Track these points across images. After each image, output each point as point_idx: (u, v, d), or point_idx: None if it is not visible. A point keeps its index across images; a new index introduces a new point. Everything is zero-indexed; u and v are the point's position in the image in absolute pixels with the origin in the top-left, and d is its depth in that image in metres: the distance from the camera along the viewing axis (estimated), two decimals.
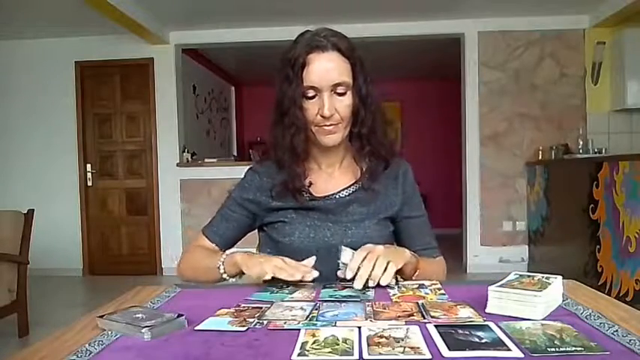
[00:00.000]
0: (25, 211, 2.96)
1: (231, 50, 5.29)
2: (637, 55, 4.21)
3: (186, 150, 4.84)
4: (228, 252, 1.02)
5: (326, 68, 1.00)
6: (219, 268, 1.00)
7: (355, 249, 0.93)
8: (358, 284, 0.84)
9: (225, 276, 1.00)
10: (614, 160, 2.98)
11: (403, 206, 1.13)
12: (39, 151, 4.84)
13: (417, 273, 0.99)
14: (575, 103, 4.54)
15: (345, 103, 1.02)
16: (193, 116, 5.53)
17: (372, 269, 0.86)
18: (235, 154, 7.08)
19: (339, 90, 1.01)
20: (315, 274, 0.89)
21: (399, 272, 0.92)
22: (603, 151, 4.26)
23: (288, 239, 1.07)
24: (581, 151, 4.23)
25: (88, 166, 4.87)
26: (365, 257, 0.87)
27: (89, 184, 4.87)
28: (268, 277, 0.89)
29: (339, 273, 0.92)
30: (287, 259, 0.93)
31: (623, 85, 4.28)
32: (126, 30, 4.23)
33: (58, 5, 3.91)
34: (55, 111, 4.82)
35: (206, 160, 4.95)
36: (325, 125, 1.03)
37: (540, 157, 4.38)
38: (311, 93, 1.01)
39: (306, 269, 0.90)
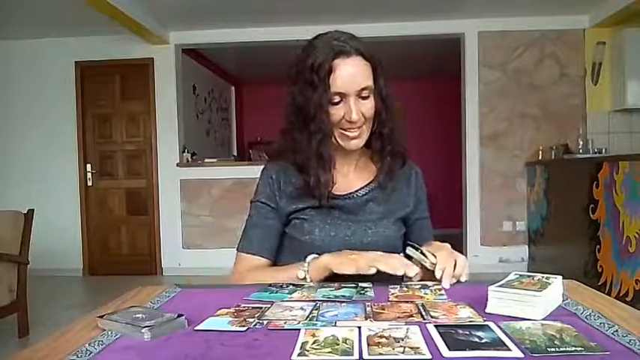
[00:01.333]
0: (25, 211, 2.96)
1: (231, 50, 5.29)
2: (637, 55, 4.21)
3: (186, 150, 4.84)
4: (308, 259, 0.99)
5: (352, 73, 1.00)
6: (304, 278, 0.96)
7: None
8: (447, 284, 0.88)
9: (312, 284, 0.96)
10: (614, 160, 2.98)
11: (414, 208, 1.15)
12: (39, 151, 4.84)
13: None
14: (575, 103, 4.54)
15: (368, 106, 1.03)
16: (193, 116, 5.53)
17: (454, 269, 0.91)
18: (235, 154, 7.08)
19: (364, 94, 1.02)
20: (417, 270, 0.90)
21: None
22: (603, 151, 4.26)
23: (309, 237, 1.06)
24: (581, 151, 4.23)
25: (88, 166, 4.87)
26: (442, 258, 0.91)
27: (89, 184, 4.87)
28: (373, 271, 0.88)
29: (412, 274, 0.92)
30: (378, 252, 0.93)
31: (623, 85, 4.28)
32: (126, 30, 4.23)
33: (58, 5, 3.91)
34: (55, 111, 4.82)
35: (206, 160, 4.96)
36: (351, 130, 1.03)
37: (540, 157, 4.38)
38: (337, 99, 1.02)
39: (409, 263, 0.90)
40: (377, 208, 1.10)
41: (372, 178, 1.12)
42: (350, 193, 1.10)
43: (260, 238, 1.10)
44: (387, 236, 1.08)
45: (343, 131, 1.04)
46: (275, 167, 1.13)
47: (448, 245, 0.97)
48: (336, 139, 1.05)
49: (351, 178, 1.13)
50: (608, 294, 1.92)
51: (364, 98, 1.03)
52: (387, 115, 1.07)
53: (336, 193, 1.09)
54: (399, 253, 1.00)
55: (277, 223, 1.11)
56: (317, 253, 1.00)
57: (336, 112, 1.02)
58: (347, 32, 1.05)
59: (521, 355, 0.56)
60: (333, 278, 0.95)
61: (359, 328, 0.65)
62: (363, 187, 1.11)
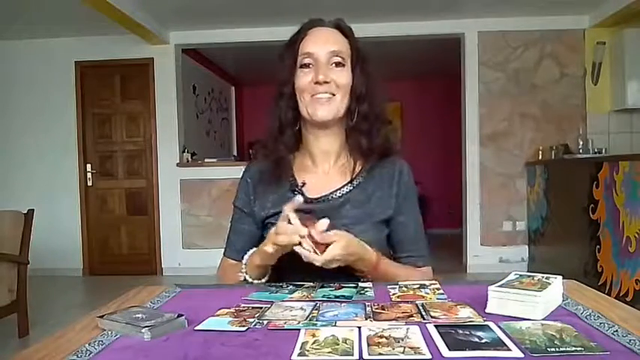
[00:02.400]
0: (25, 211, 2.96)
1: (231, 50, 5.29)
2: (637, 55, 4.21)
3: (186, 150, 4.84)
4: (245, 261, 0.99)
5: (324, 37, 1.02)
6: (245, 280, 0.97)
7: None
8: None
9: (256, 282, 0.97)
10: (614, 160, 2.98)
11: (397, 208, 1.06)
12: (39, 151, 4.84)
13: (376, 271, 0.96)
14: (575, 103, 4.54)
15: (341, 74, 1.02)
16: (193, 116, 5.53)
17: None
18: (235, 154, 7.08)
19: (336, 60, 1.01)
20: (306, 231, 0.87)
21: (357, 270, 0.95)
22: (603, 151, 4.26)
23: None
24: (581, 151, 4.23)
25: (88, 166, 4.87)
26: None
27: (89, 184, 4.87)
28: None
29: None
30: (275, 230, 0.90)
31: (623, 85, 4.27)
32: (126, 30, 4.22)
33: (58, 5, 3.91)
34: (55, 111, 4.82)
35: (206, 160, 4.95)
36: (321, 98, 1.00)
37: (540, 157, 4.38)
38: (307, 60, 1.01)
39: (292, 228, 0.87)
40: (352, 211, 1.02)
41: (350, 179, 1.05)
42: (325, 196, 1.04)
43: (235, 241, 1.11)
44: (364, 241, 0.95)
45: (313, 97, 1.01)
46: (253, 169, 1.12)
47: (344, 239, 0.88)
48: (307, 112, 1.02)
49: (330, 176, 1.07)
50: (608, 294, 1.91)
51: (338, 65, 1.01)
52: (367, 101, 1.03)
53: (310, 196, 1.04)
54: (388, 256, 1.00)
55: (253, 227, 1.10)
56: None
57: (305, 76, 1.01)
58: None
59: (521, 355, 0.56)
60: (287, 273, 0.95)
61: (359, 328, 0.65)
62: (339, 189, 1.04)
